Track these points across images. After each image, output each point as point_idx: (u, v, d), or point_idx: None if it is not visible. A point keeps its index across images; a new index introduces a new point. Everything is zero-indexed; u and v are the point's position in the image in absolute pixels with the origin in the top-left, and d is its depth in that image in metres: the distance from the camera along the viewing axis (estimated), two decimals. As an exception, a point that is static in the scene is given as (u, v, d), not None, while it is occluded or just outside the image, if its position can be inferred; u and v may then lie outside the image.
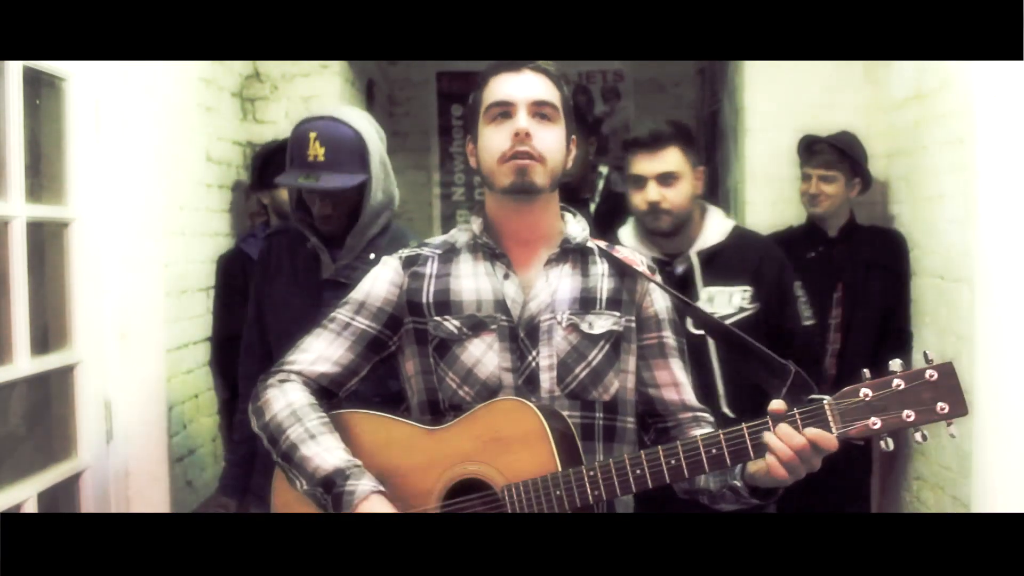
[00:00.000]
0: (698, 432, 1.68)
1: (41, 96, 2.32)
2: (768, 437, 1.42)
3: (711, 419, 1.73)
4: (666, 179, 2.44)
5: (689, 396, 1.72)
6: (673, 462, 1.46)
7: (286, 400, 1.64)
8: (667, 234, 2.50)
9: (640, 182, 2.48)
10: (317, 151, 2.24)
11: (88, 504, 2.38)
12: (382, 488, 1.53)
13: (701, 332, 2.03)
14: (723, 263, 2.50)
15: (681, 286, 2.45)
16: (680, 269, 2.51)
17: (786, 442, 1.40)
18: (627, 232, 2.61)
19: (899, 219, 3.38)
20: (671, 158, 2.44)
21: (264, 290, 2.47)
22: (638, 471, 1.47)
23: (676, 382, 1.71)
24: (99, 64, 2.40)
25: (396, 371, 1.77)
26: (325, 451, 1.56)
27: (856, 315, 3.22)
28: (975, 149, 2.50)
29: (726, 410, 2.37)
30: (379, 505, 1.51)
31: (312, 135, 2.25)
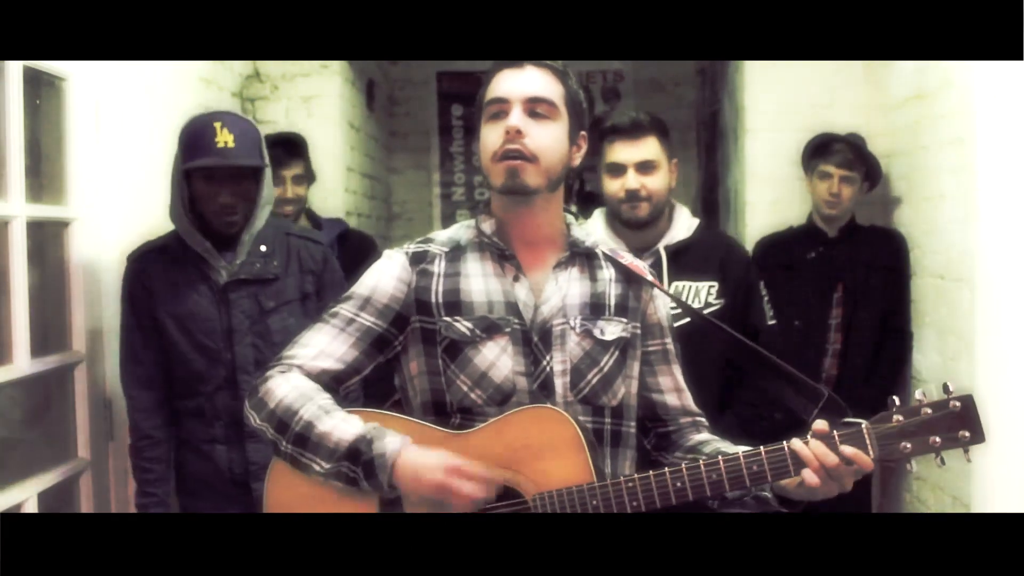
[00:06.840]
0: (698, 436, 1.70)
1: (41, 96, 2.32)
2: (799, 446, 1.44)
3: (707, 424, 1.74)
4: (645, 167, 2.46)
5: (688, 401, 1.73)
6: (715, 476, 1.46)
7: (290, 385, 1.57)
8: (641, 225, 2.50)
9: (618, 170, 2.48)
10: (226, 138, 2.28)
11: (88, 504, 2.38)
12: (407, 437, 1.49)
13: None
14: (690, 258, 2.51)
15: None
16: (648, 262, 2.51)
17: (820, 458, 1.43)
18: (596, 223, 2.59)
19: (899, 219, 3.37)
20: (650, 147, 2.46)
21: (151, 315, 2.32)
22: (679, 484, 1.47)
23: (678, 388, 1.72)
24: (99, 64, 2.40)
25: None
26: (343, 422, 1.51)
27: (856, 315, 3.21)
28: (975, 149, 2.49)
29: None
30: (414, 455, 1.47)
31: (218, 124, 2.29)
